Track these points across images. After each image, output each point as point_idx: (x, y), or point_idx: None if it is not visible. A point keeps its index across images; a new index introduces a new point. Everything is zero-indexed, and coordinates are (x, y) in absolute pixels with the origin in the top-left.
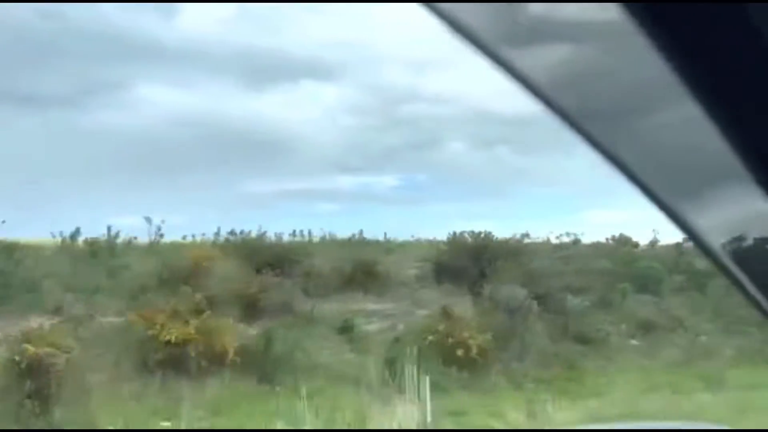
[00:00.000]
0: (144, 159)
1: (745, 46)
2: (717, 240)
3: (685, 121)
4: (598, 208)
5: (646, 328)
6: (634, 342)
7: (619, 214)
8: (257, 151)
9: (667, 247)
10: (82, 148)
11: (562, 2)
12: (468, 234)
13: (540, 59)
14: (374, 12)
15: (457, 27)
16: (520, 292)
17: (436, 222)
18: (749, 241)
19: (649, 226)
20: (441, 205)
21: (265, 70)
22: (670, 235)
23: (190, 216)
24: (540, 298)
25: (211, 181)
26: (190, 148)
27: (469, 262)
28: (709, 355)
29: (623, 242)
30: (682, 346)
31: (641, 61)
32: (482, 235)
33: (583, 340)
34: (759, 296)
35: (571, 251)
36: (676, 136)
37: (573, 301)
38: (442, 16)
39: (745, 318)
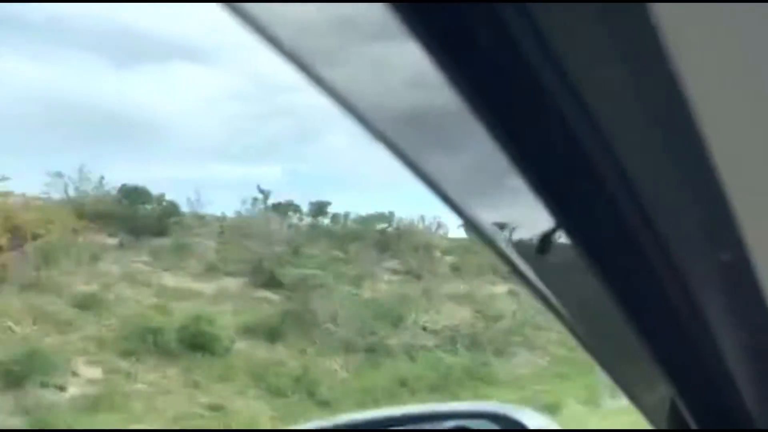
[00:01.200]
0: None
1: (504, 50)
2: (501, 237)
3: (459, 121)
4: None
5: None
6: None
7: (506, 212)
8: (126, 134)
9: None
10: None
11: (333, 2)
12: None
13: (334, 61)
14: None
15: (254, 25)
16: None
17: None
18: (527, 238)
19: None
20: (324, 199)
21: (137, 50)
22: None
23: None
24: None
25: (75, 165)
26: (50, 127)
27: None
28: None
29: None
30: None
31: (418, 65)
32: None
33: None
34: (541, 286)
35: None
36: (454, 136)
37: None
38: (243, 16)
39: None
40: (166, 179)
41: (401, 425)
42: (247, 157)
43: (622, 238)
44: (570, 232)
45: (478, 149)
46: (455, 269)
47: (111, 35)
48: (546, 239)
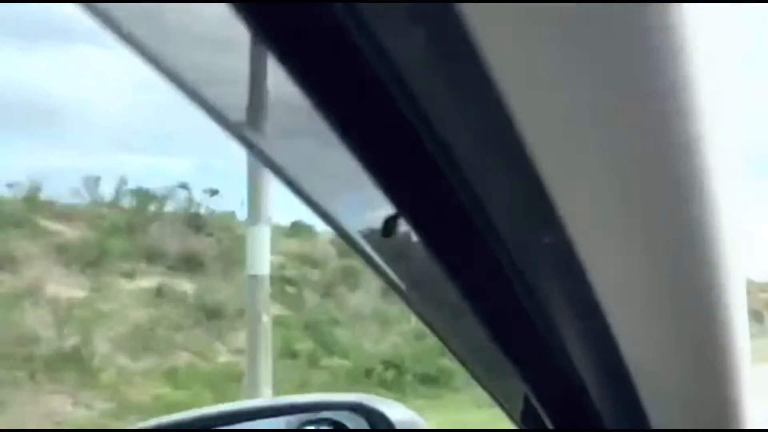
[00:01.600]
0: None
1: (339, 48)
2: (366, 241)
3: (302, 114)
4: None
5: None
6: None
7: (355, 199)
8: (22, 122)
9: None
10: None
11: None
12: None
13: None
14: None
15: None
16: None
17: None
18: (375, 223)
19: None
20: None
21: (36, 31)
22: None
23: None
24: None
25: None
26: None
27: None
28: None
29: None
30: None
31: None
32: None
33: None
34: (390, 273)
35: None
36: (301, 129)
37: None
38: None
39: None
40: (65, 169)
41: (250, 419)
42: (155, 148)
43: (455, 225)
44: (408, 219)
45: (325, 141)
46: (62, 251)
47: (8, 13)
48: (388, 224)
